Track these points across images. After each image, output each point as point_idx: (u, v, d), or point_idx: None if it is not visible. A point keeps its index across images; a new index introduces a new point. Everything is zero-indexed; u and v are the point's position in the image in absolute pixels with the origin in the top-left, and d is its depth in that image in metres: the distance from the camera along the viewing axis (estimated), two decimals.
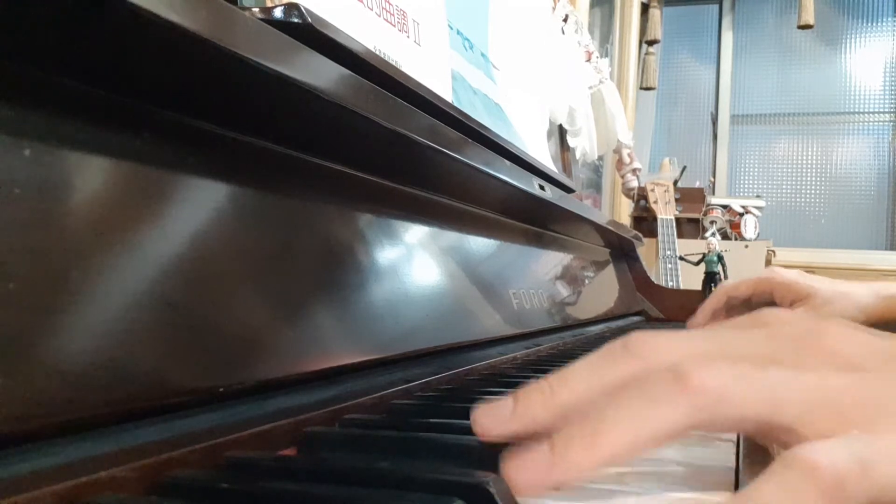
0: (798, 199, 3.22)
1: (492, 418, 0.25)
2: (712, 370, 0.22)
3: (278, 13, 0.35)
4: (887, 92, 3.12)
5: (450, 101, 0.61)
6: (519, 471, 0.23)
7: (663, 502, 0.26)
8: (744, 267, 2.33)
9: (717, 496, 0.27)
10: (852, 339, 0.23)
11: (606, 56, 2.26)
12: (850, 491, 0.18)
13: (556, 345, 0.74)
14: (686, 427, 0.22)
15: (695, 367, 0.22)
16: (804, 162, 3.23)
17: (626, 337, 0.25)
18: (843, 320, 0.25)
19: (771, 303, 0.82)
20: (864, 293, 0.74)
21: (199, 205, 0.29)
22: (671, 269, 1.91)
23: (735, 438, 0.37)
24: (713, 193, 3.00)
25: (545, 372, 0.54)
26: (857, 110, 3.16)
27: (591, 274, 1.05)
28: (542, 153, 1.00)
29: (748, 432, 0.23)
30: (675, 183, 2.41)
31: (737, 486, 0.29)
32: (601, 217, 1.01)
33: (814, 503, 0.18)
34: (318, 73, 0.33)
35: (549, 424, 0.24)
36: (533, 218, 0.79)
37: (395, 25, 0.58)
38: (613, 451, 0.22)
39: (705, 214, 2.59)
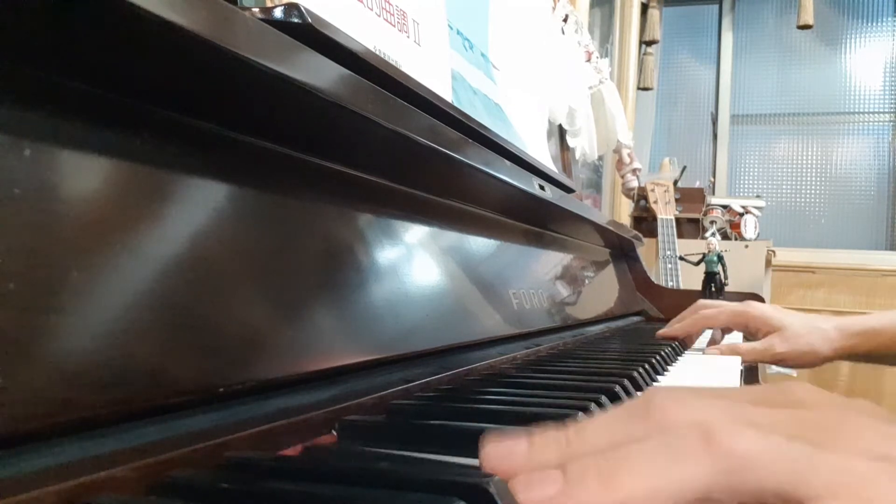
0: (798, 199, 3.22)
1: (502, 456, 0.24)
2: (741, 435, 0.22)
3: (278, 13, 0.35)
4: (887, 92, 3.12)
5: (450, 101, 0.61)
6: (527, 492, 0.23)
7: None
8: (744, 267, 2.33)
9: None
10: (881, 428, 0.23)
11: (606, 56, 2.26)
12: None
13: (556, 345, 0.74)
14: (705, 488, 0.22)
15: (723, 428, 0.22)
16: (804, 162, 3.22)
17: (650, 394, 0.24)
18: (873, 406, 0.25)
19: (745, 333, 0.85)
20: (832, 329, 0.79)
21: (199, 205, 0.29)
22: (671, 269, 1.91)
23: None
24: (713, 193, 2.99)
25: (545, 372, 0.54)
26: (857, 110, 3.16)
27: (591, 274, 1.05)
28: (542, 153, 1.00)
29: None
30: (675, 183, 2.40)
31: None
32: (601, 217, 1.01)
33: None
34: (318, 73, 0.33)
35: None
36: (533, 218, 0.79)
37: (395, 25, 0.58)
38: (627, 496, 0.21)
39: (705, 214, 2.59)
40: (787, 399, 0.25)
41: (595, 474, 0.22)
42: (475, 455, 0.27)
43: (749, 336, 0.87)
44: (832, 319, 0.83)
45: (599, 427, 0.24)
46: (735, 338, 0.91)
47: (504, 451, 0.24)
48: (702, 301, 0.90)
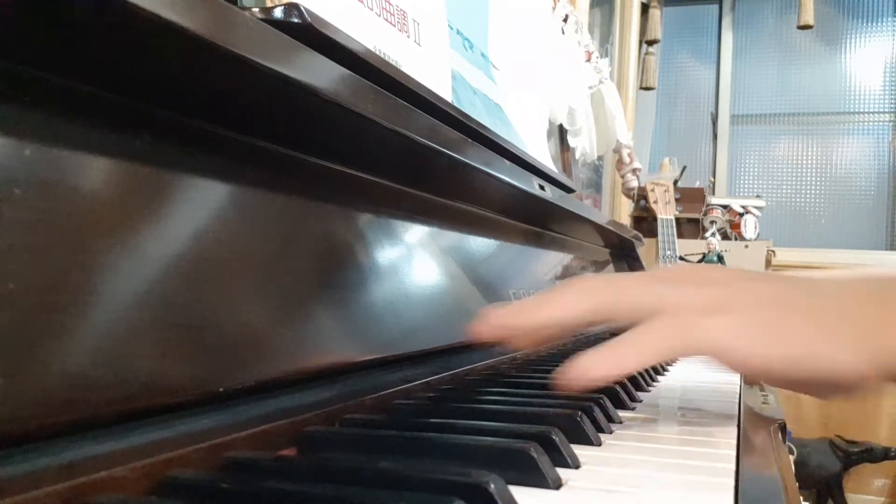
0: (798, 199, 3.22)
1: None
2: (625, 283, 0.37)
3: (278, 13, 0.35)
4: (887, 92, 3.12)
5: (450, 101, 0.61)
6: (487, 319, 0.37)
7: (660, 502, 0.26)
8: (744, 266, 2.33)
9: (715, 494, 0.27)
10: (701, 270, 0.40)
11: (606, 56, 2.26)
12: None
13: (556, 345, 0.74)
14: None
15: (616, 282, 0.37)
16: (804, 162, 3.22)
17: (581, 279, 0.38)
18: (763, 274, 0.40)
19: None
20: None
21: (199, 205, 0.29)
22: None
23: (735, 435, 0.37)
24: (713, 193, 2.99)
25: (545, 372, 0.54)
26: (857, 110, 3.16)
27: (591, 274, 1.05)
28: (542, 153, 1.00)
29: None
30: (675, 183, 2.40)
31: (737, 479, 0.29)
32: (601, 217, 1.01)
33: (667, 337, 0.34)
34: (318, 73, 0.33)
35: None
36: (533, 218, 0.79)
37: (395, 25, 0.58)
38: (552, 314, 0.36)
39: (705, 214, 2.59)
40: (702, 278, 0.37)
41: (530, 305, 0.37)
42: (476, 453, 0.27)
43: None
44: None
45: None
46: None
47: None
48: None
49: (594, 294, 0.36)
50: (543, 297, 0.37)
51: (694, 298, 0.35)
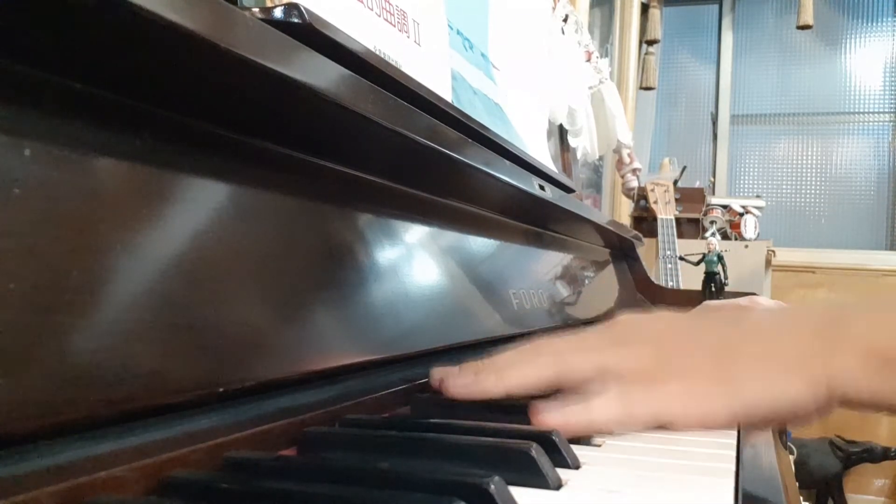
0: (798, 199, 3.21)
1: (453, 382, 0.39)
2: (573, 354, 0.39)
3: (278, 13, 0.35)
4: (887, 92, 3.12)
5: (450, 101, 0.61)
6: (454, 378, 0.39)
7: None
8: (744, 267, 2.33)
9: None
10: (649, 324, 0.40)
11: (606, 56, 2.26)
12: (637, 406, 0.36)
13: None
14: (553, 379, 0.38)
15: (567, 352, 0.39)
16: (804, 162, 3.22)
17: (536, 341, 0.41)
18: (662, 314, 0.42)
19: None
20: None
21: (199, 205, 0.29)
22: (671, 269, 1.91)
23: (735, 435, 0.37)
24: (713, 193, 2.99)
25: None
26: (857, 110, 3.16)
27: (591, 274, 1.05)
28: (542, 153, 1.00)
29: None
30: (675, 183, 2.40)
31: (737, 478, 0.29)
32: (601, 217, 1.01)
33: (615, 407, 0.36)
34: (318, 73, 0.33)
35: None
36: (533, 218, 0.79)
37: (395, 25, 0.58)
38: (511, 381, 0.38)
39: (705, 214, 2.59)
40: (644, 335, 0.40)
41: (493, 372, 0.39)
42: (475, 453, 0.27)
43: None
44: None
45: (502, 355, 0.41)
46: None
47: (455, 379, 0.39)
48: (707, 302, 0.89)
49: (549, 363, 0.39)
50: (505, 362, 0.40)
51: (638, 363, 0.37)
